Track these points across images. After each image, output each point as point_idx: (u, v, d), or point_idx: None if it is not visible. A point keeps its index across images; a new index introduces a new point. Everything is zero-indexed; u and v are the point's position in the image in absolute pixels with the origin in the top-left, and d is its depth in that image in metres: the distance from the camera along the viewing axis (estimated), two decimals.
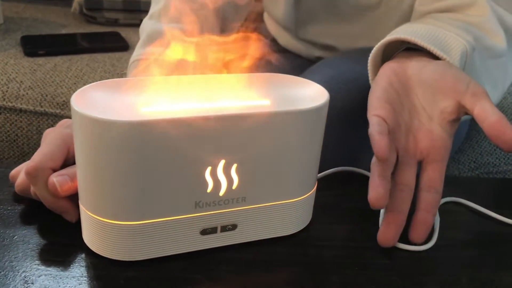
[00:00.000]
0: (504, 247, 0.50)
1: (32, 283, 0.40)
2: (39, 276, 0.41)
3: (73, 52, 1.09)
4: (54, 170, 0.45)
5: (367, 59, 0.57)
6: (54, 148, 0.45)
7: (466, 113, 0.47)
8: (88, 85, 0.42)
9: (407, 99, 0.50)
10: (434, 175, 0.48)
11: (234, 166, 0.42)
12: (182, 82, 0.44)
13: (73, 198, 0.45)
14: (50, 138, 0.47)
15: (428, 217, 0.47)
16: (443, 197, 0.54)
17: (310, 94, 0.45)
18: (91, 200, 0.41)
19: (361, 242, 0.48)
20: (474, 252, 0.49)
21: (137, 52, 0.66)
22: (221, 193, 0.42)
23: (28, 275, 0.41)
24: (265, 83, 0.47)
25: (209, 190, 0.42)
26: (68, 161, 0.46)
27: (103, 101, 0.40)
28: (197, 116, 0.38)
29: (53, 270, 0.42)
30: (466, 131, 0.89)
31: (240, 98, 0.43)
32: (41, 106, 0.93)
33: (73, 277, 0.41)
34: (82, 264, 0.43)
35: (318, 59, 0.85)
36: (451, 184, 0.61)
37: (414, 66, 0.51)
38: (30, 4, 1.36)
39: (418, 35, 0.52)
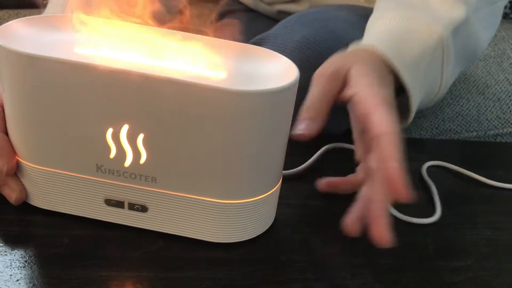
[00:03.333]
0: (473, 206, 0.49)
1: None
2: None
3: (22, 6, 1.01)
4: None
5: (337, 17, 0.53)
6: None
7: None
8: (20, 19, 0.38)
9: None
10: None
11: (141, 136, 0.35)
12: (140, 30, 0.39)
13: None
14: None
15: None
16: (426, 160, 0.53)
17: (271, 72, 0.37)
18: (9, 134, 0.39)
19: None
20: (443, 212, 0.47)
21: None
22: (127, 164, 0.37)
23: None
24: (231, 53, 0.39)
25: (112, 156, 0.37)
26: None
27: (30, 35, 0.36)
28: (104, 66, 0.33)
29: None
30: None
31: (193, 63, 0.36)
32: None
33: (7, 235, 0.38)
34: (19, 222, 0.39)
35: (280, 13, 0.82)
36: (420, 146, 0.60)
37: None
38: None
39: (382, 41, 0.49)
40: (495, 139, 0.94)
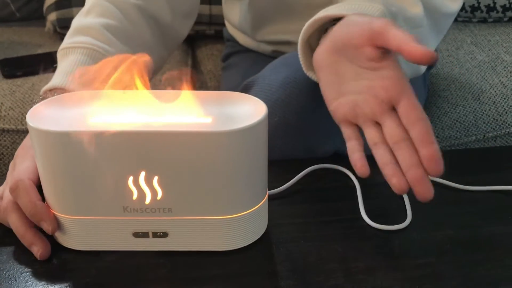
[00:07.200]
0: (440, 209, 0.55)
1: (15, 280, 0.46)
2: (21, 274, 0.47)
3: (50, 70, 1.13)
4: (34, 182, 0.49)
5: None
6: (26, 163, 0.50)
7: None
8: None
9: (346, 68, 0.53)
10: (407, 110, 0.48)
11: (156, 178, 0.45)
12: (133, 96, 0.47)
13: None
14: (20, 160, 0.52)
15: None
16: None
17: (246, 113, 0.46)
18: (46, 195, 0.48)
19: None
20: (413, 216, 0.54)
21: (66, 41, 0.69)
22: (147, 201, 0.46)
23: (11, 273, 0.47)
24: (212, 101, 0.48)
25: (134, 197, 0.45)
26: None
27: (54, 114, 0.46)
28: (115, 130, 0.42)
29: (32, 268, 0.48)
30: (422, 104, 0.93)
31: (183, 115, 0.45)
32: (23, 125, 0.98)
33: (48, 272, 0.47)
34: (56, 261, 0.49)
35: (275, 52, 0.91)
36: None
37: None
38: (6, 28, 1.40)
39: (338, 9, 0.56)
40: (494, 141, 0.98)
